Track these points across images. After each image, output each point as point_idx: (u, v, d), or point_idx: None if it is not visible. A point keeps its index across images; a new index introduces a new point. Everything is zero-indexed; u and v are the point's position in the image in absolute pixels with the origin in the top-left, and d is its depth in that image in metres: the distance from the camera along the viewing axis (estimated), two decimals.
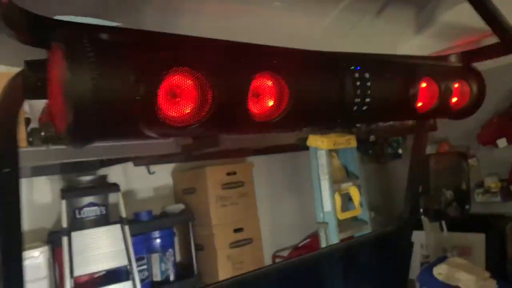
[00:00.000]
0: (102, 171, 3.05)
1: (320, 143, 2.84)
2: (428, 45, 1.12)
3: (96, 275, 2.72)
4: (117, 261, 2.68)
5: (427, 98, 0.85)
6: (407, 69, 0.81)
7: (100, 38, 0.48)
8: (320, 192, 2.87)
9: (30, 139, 2.13)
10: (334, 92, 0.68)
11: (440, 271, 2.75)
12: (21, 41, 0.50)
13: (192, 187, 3.28)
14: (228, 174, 3.24)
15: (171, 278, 3.06)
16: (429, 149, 3.72)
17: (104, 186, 2.88)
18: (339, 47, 1.07)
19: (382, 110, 0.75)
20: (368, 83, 0.72)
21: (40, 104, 2.50)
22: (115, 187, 2.82)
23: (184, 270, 3.21)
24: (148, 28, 0.59)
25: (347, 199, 3.07)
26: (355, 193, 3.01)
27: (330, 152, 2.91)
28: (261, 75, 0.61)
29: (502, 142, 3.36)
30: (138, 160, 3.21)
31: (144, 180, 3.35)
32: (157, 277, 3.03)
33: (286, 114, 0.62)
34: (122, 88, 0.48)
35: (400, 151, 3.64)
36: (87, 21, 0.60)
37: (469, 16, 0.91)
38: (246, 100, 0.58)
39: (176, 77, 0.53)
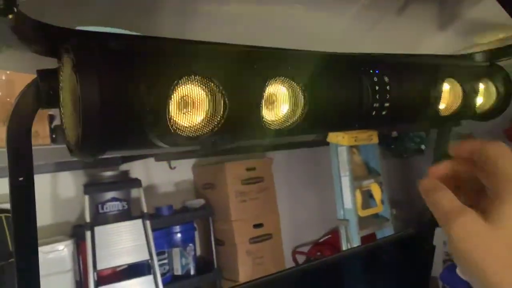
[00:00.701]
0: (124, 167, 3.10)
1: (340, 139, 2.80)
2: (452, 43, 1.07)
3: (118, 269, 2.77)
4: (138, 255, 2.73)
5: (450, 100, 0.82)
6: (428, 70, 0.78)
7: (109, 47, 0.48)
8: (340, 189, 2.83)
9: (54, 135, 2.18)
10: (351, 97, 0.66)
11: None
12: (31, 51, 0.50)
13: (212, 182, 3.30)
14: (248, 169, 3.24)
15: (192, 272, 3.09)
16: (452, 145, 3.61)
17: (126, 181, 2.93)
18: (359, 47, 1.03)
19: (402, 115, 0.72)
20: (387, 87, 0.69)
21: None
22: (137, 182, 2.86)
23: (204, 264, 3.24)
24: (164, 34, 0.59)
25: (368, 196, 3.03)
26: (376, 190, 2.96)
27: (351, 148, 2.87)
28: (275, 81, 0.59)
29: None
30: (159, 156, 3.25)
31: (165, 175, 3.39)
32: (178, 271, 3.07)
33: (301, 121, 0.61)
34: (132, 99, 0.47)
35: (423, 146, 3.56)
36: (103, 30, 0.60)
37: (495, 12, 0.87)
38: (259, 108, 0.57)
39: (187, 86, 0.52)
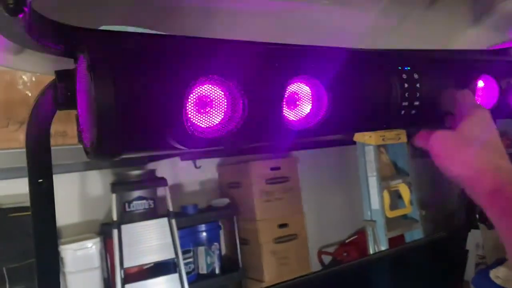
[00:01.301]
0: (150, 166, 3.13)
1: (367, 138, 2.74)
2: (485, 38, 1.01)
3: (144, 267, 2.80)
4: (164, 253, 2.74)
5: (485, 98, 0.77)
6: (461, 66, 0.74)
7: (125, 47, 0.46)
8: (367, 189, 2.77)
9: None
10: (378, 95, 0.63)
11: (498, 274, 2.58)
12: (48, 52, 0.50)
13: (237, 182, 3.29)
14: (272, 169, 3.22)
15: (217, 271, 3.09)
16: None
17: (152, 180, 2.95)
18: (387, 43, 0.99)
19: (433, 114, 0.68)
20: (417, 85, 0.65)
21: None
22: (162, 181, 2.88)
23: (229, 263, 3.23)
24: (183, 32, 0.57)
25: (396, 197, 2.95)
26: (404, 191, 2.88)
27: (378, 147, 2.79)
28: (297, 79, 0.56)
29: None
30: (184, 155, 3.27)
31: (191, 174, 3.40)
32: (203, 270, 3.08)
33: (325, 121, 0.58)
34: (148, 99, 0.45)
35: None
36: (122, 29, 0.59)
37: None
38: (280, 108, 0.54)
39: (205, 86, 0.50)
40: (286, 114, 0.56)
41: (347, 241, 3.80)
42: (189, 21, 0.71)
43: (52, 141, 1.89)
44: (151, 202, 2.91)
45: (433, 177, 3.84)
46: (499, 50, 0.88)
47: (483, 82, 0.76)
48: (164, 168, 3.24)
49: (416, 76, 0.66)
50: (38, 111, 0.54)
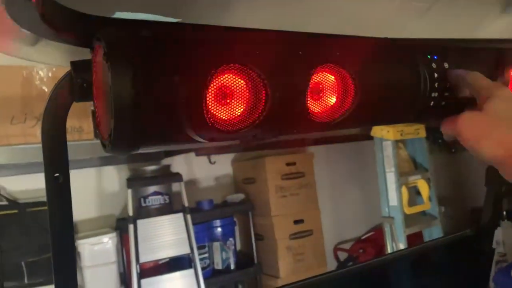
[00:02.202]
0: (165, 161, 3.14)
1: (385, 133, 2.68)
2: None
3: (160, 262, 2.81)
4: (180, 249, 2.74)
5: None
6: (493, 55, 0.70)
7: (142, 35, 0.44)
8: (385, 185, 2.72)
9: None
10: (407, 86, 0.59)
11: None
12: (62, 41, 0.48)
13: (252, 177, 3.27)
14: (288, 164, 3.19)
15: (232, 266, 3.08)
16: None
17: (168, 176, 2.96)
18: (412, 32, 0.95)
19: (464, 106, 0.64)
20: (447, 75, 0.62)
21: None
22: (178, 176, 2.88)
23: (244, 259, 3.22)
24: (203, 21, 0.55)
25: (414, 193, 2.89)
26: (423, 187, 2.82)
27: (396, 142, 2.74)
28: (322, 69, 0.53)
29: None
30: (199, 150, 3.26)
31: (206, 170, 3.40)
32: (218, 265, 3.07)
33: (351, 113, 0.55)
34: (167, 90, 0.43)
35: None
36: (139, 16, 0.56)
37: None
38: (305, 99, 0.51)
39: (225, 75, 0.47)
40: (310, 106, 0.53)
41: (363, 237, 3.75)
42: (204, 9, 0.68)
43: (68, 137, 1.89)
44: (166, 197, 2.92)
45: (453, 172, 3.76)
46: None
47: None
48: (179, 163, 3.24)
49: (446, 65, 0.62)
50: (54, 104, 0.52)
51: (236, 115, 0.49)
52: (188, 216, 2.79)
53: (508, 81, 0.72)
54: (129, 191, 2.72)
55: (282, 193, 3.14)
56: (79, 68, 0.51)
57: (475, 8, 1.02)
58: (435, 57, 0.62)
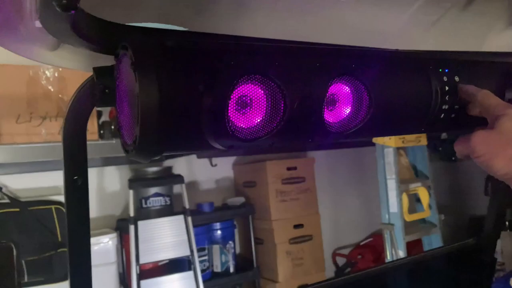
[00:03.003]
0: (167, 163, 3.15)
1: (387, 140, 2.70)
2: None
3: (160, 263, 2.81)
4: (179, 251, 2.75)
5: None
6: (503, 69, 0.71)
7: (168, 45, 0.45)
8: (386, 192, 2.73)
9: (101, 131, 2.24)
10: (419, 98, 0.61)
11: None
12: (89, 48, 0.49)
13: (252, 181, 3.28)
14: (289, 169, 3.20)
15: (231, 270, 3.09)
16: None
17: (169, 177, 2.97)
18: (420, 44, 0.97)
19: (473, 118, 0.66)
20: (458, 88, 0.63)
21: None
22: (179, 178, 2.89)
23: (243, 262, 3.23)
24: (218, 31, 0.56)
25: (414, 200, 2.91)
26: (424, 194, 2.84)
27: (398, 149, 2.75)
28: (339, 80, 0.55)
29: None
30: (201, 153, 3.28)
31: (207, 172, 3.41)
32: (218, 268, 3.08)
33: (365, 123, 0.56)
34: (191, 98, 0.44)
35: None
36: (157, 26, 0.58)
37: None
38: (321, 109, 0.53)
39: (247, 85, 0.49)
40: (326, 116, 0.55)
41: (362, 243, 3.76)
42: (221, 20, 0.70)
43: None
44: (167, 199, 2.92)
45: (452, 181, 3.78)
46: None
47: None
48: (181, 165, 3.25)
49: (457, 78, 0.64)
50: (75, 108, 0.54)
51: (254, 124, 0.51)
52: (189, 218, 2.80)
53: None
54: (131, 191, 2.72)
55: (282, 197, 3.16)
56: (101, 74, 0.53)
57: (481, 23, 1.03)
58: (446, 70, 0.63)
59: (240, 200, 3.22)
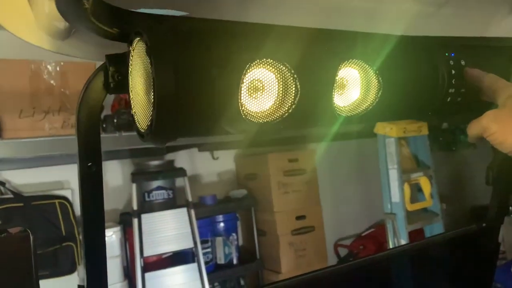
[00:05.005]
0: (168, 156, 3.15)
1: (388, 131, 2.71)
2: None
3: (163, 256, 2.83)
4: (183, 243, 2.77)
5: None
6: (508, 53, 0.72)
7: (181, 30, 0.46)
8: (388, 182, 2.75)
9: (104, 125, 2.24)
10: (426, 82, 0.62)
11: None
12: (102, 35, 0.50)
13: (254, 173, 3.30)
14: (290, 161, 3.21)
15: (234, 261, 3.11)
16: None
17: (172, 171, 2.98)
18: (424, 30, 0.98)
19: (478, 102, 0.67)
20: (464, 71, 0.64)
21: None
22: (182, 171, 2.90)
23: (246, 254, 3.25)
24: (222, 18, 0.56)
25: (416, 190, 2.92)
26: (425, 184, 2.85)
27: (399, 140, 2.76)
28: (348, 64, 0.56)
29: None
30: (202, 146, 3.28)
31: (208, 165, 3.42)
32: (221, 260, 3.10)
33: (373, 106, 0.57)
34: (205, 83, 0.45)
35: None
36: (159, 13, 0.58)
37: None
38: (331, 93, 0.54)
39: (258, 69, 0.50)
40: (335, 100, 0.56)
41: (363, 234, 3.78)
42: (226, 7, 0.70)
43: (72, 131, 1.91)
44: (170, 192, 2.94)
45: (453, 171, 3.80)
46: None
47: None
48: (182, 159, 3.26)
49: (463, 62, 0.65)
50: (88, 95, 0.54)
51: (266, 108, 0.52)
52: (192, 211, 2.81)
53: None
54: (134, 185, 2.74)
55: (285, 189, 3.17)
56: (114, 61, 0.53)
57: (484, 9, 1.04)
58: (452, 54, 0.64)
59: (243, 192, 3.24)
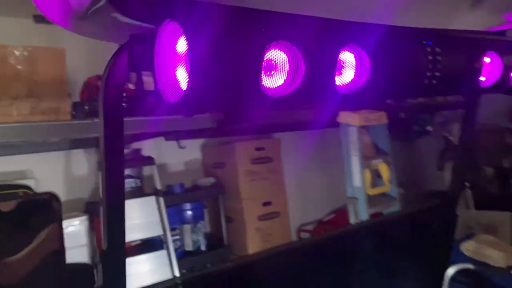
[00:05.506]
0: (135, 145, 3.14)
1: (351, 120, 2.86)
2: (482, 20, 1.12)
3: (132, 244, 2.84)
4: (152, 231, 2.79)
5: (491, 72, 0.87)
6: (472, 43, 0.83)
7: (212, 14, 0.52)
8: (350, 168, 2.90)
9: (74, 112, 2.21)
10: (409, 65, 0.72)
11: (468, 247, 2.79)
12: (132, 18, 0.55)
13: (222, 162, 3.35)
14: (257, 149, 3.30)
15: (202, 248, 3.17)
16: (456, 127, 3.70)
17: (140, 159, 2.97)
18: (400, 20, 1.08)
19: (449, 84, 0.77)
20: (439, 57, 0.74)
21: (80, 79, 2.58)
22: (150, 160, 2.90)
23: (214, 241, 3.31)
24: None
25: (376, 176, 3.10)
26: (384, 170, 3.04)
27: (361, 128, 2.92)
28: (346, 48, 0.64)
29: None
30: (169, 135, 3.29)
31: (175, 154, 3.43)
32: (189, 247, 3.14)
33: (367, 86, 0.66)
34: (232, 60, 0.52)
35: (429, 128, 3.63)
36: None
37: None
38: (333, 73, 0.62)
39: (274, 50, 0.57)
40: (336, 79, 0.64)
41: (325, 219, 3.95)
42: None
43: (44, 117, 1.88)
44: (138, 181, 2.94)
45: (409, 158, 4.04)
46: (498, 32, 0.98)
47: (489, 58, 0.87)
48: (149, 148, 3.25)
49: (437, 49, 0.75)
50: (113, 73, 0.59)
51: (278, 85, 0.59)
52: (161, 199, 2.83)
53: (481, 66, 0.86)
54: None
55: (252, 177, 3.25)
56: (139, 41, 0.58)
57: (447, 3, 1.16)
58: (429, 43, 0.74)
59: (210, 180, 3.28)
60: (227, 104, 0.59)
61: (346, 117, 2.89)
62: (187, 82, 0.50)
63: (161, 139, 3.31)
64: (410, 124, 3.65)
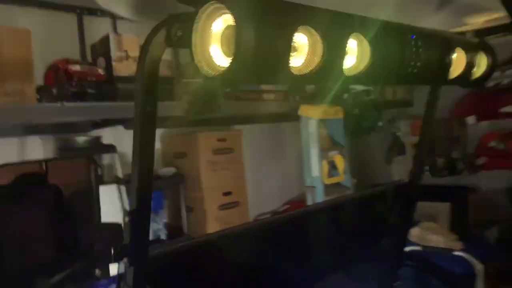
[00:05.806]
0: (94, 133, 3.09)
1: (311, 113, 3.01)
2: (446, 23, 1.28)
3: None
4: (112, 219, 2.77)
5: (457, 66, 1.02)
6: (444, 40, 0.98)
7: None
8: (309, 159, 3.06)
9: (39, 96, 2.16)
10: (398, 55, 0.84)
11: (413, 234, 3.05)
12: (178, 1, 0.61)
13: (183, 152, 3.38)
14: (219, 140, 3.37)
15: (162, 237, 3.19)
16: (403, 124, 3.99)
17: (100, 147, 2.93)
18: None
19: (424, 74, 0.91)
20: (420, 50, 0.87)
21: (41, 63, 2.50)
22: (111, 148, 2.88)
23: (174, 230, 3.34)
24: None
25: (332, 166, 3.29)
26: (339, 161, 3.23)
27: (319, 121, 3.09)
28: (353, 36, 0.75)
29: (470, 120, 3.63)
30: (128, 124, 3.26)
31: None
32: (149, 236, 3.15)
33: (366, 71, 0.77)
34: (272, 41, 0.60)
35: (380, 123, 3.89)
36: None
37: None
38: (343, 57, 0.72)
39: (298, 34, 0.66)
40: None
41: (280, 209, 4.11)
42: None
43: (9, 99, 1.87)
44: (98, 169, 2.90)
45: (360, 151, 4.30)
46: (460, 33, 1.14)
47: (456, 54, 1.01)
48: (108, 136, 3.21)
49: (419, 43, 0.88)
50: (151, 47, 0.65)
51: (299, 64, 0.68)
52: (123, 187, 2.82)
53: (451, 63, 1.01)
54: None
55: (213, 167, 3.32)
56: (178, 20, 0.65)
57: (414, 6, 1.31)
58: (413, 37, 0.87)
59: (171, 170, 3.31)
60: (265, 80, 0.67)
61: (306, 110, 3.04)
62: (235, 55, 0.58)
63: (120, 128, 3.28)
64: (363, 120, 3.88)
